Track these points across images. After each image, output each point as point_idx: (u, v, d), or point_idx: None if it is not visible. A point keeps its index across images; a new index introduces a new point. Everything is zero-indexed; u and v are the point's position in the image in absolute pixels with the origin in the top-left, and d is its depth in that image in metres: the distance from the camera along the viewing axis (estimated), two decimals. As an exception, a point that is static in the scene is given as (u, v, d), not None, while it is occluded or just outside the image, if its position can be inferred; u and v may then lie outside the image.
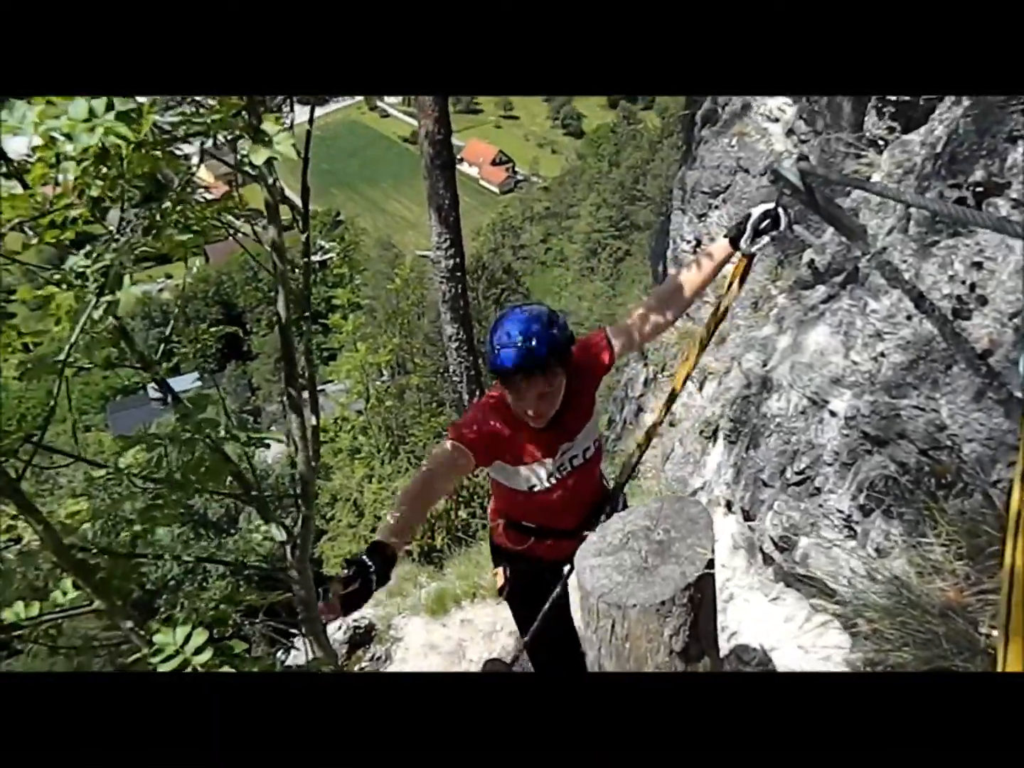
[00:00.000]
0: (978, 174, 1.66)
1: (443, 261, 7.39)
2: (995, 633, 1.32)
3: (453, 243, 7.33)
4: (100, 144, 1.73)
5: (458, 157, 61.05)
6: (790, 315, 2.27)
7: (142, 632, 2.10)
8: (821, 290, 2.26)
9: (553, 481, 2.35)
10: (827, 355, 1.90)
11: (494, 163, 66.16)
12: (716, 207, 6.41)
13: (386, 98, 66.80)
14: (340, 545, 8.99)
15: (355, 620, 6.86)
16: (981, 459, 1.52)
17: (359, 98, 74.60)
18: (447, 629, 6.48)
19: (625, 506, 2.51)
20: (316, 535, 10.41)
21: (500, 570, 2.71)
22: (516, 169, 67.94)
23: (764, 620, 2.20)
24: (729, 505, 2.41)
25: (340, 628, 6.55)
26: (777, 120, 5.69)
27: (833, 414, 1.85)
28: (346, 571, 1.69)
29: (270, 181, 3.17)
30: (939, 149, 1.79)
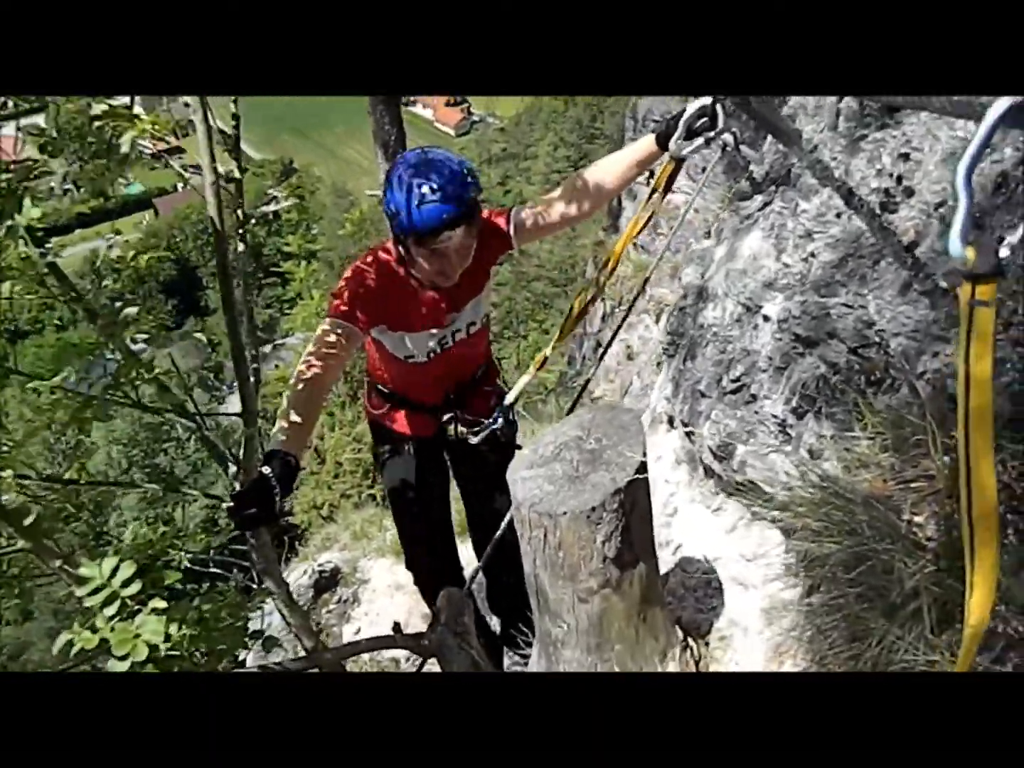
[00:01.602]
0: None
1: (392, 200, 7.22)
2: (917, 519, 1.32)
3: (401, 181, 7.15)
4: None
5: (411, 99, 59.44)
6: (728, 226, 2.23)
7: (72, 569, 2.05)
8: (758, 200, 2.22)
9: (432, 356, 2.24)
10: (760, 259, 1.87)
11: (448, 104, 64.65)
12: (667, 135, 6.29)
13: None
14: (303, 493, 8.98)
15: (320, 565, 6.88)
16: (907, 352, 1.52)
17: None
18: (412, 569, 6.47)
19: (510, 414, 2.48)
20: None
21: (371, 449, 2.73)
22: (471, 110, 66.51)
23: (707, 531, 2.21)
24: (671, 420, 2.40)
25: (305, 573, 6.56)
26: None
27: (767, 319, 1.83)
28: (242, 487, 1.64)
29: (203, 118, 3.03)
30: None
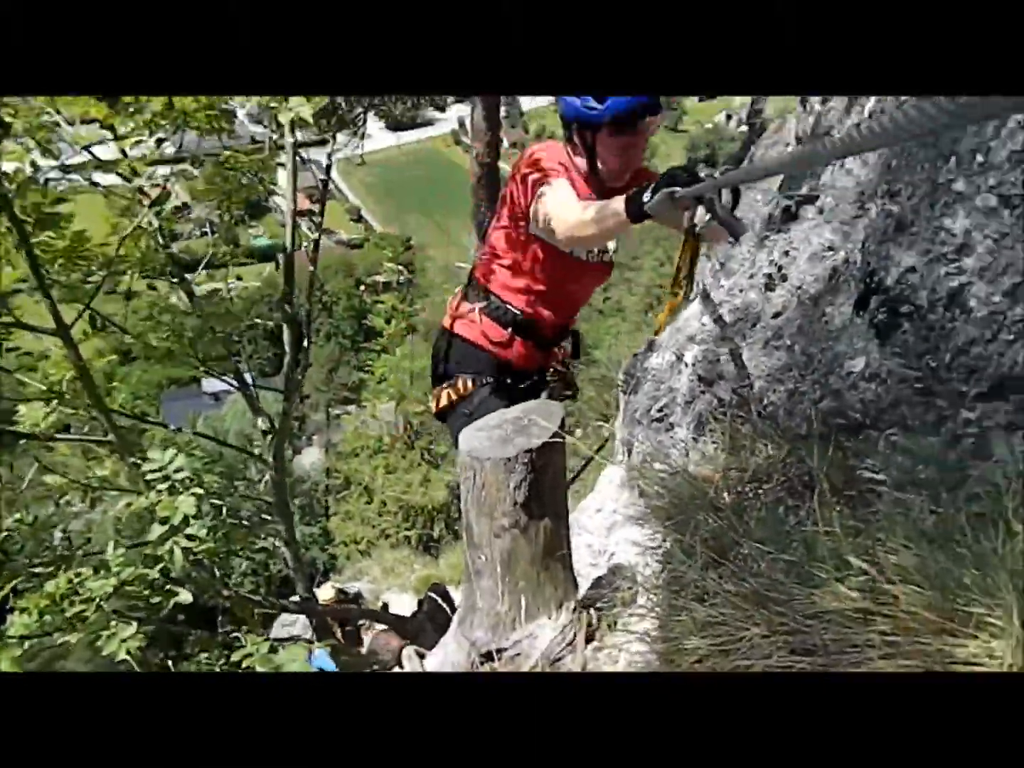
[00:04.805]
0: (804, 189, 2.20)
1: (478, 274, 8.02)
2: (724, 495, 1.83)
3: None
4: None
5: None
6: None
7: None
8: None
9: (590, 258, 2.36)
10: (690, 320, 2.44)
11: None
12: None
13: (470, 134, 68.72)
14: (344, 526, 9.63)
15: (344, 586, 7.40)
16: (761, 391, 2.04)
17: (445, 130, 76.73)
18: (430, 605, 6.92)
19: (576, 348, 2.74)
20: (326, 512, 11.22)
21: (460, 379, 2.53)
22: (586, 217, 68.53)
23: (634, 542, 2.70)
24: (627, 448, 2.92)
25: (331, 588, 7.05)
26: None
27: (686, 364, 2.38)
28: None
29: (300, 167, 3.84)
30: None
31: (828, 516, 1.49)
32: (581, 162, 2.34)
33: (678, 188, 1.80)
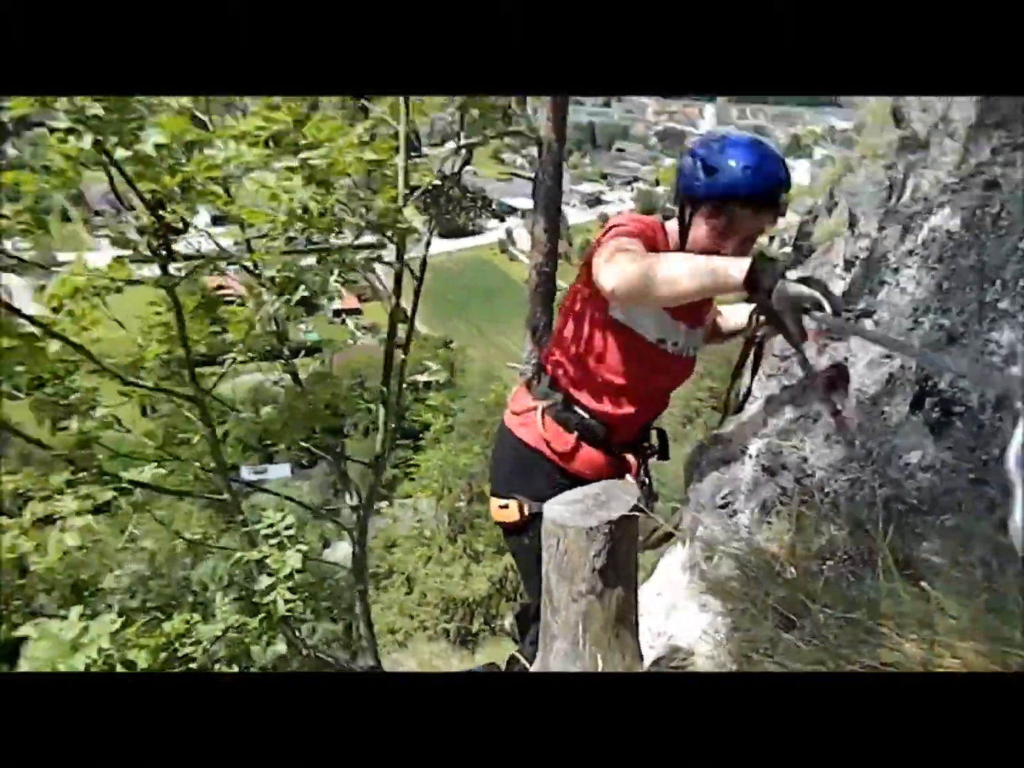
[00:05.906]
0: (862, 305, 2.48)
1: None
2: (789, 568, 2.02)
3: (541, 360, 8.33)
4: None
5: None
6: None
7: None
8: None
9: (676, 348, 2.13)
10: (754, 416, 2.68)
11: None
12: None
13: (517, 243, 71.35)
14: (385, 616, 9.65)
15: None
16: (823, 480, 2.26)
17: (492, 239, 79.65)
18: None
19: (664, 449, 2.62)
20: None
21: (515, 502, 2.34)
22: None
23: (693, 625, 2.86)
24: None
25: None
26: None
27: (750, 456, 2.61)
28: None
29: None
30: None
31: (890, 585, 1.69)
32: (673, 233, 2.10)
33: (818, 298, 1.68)
